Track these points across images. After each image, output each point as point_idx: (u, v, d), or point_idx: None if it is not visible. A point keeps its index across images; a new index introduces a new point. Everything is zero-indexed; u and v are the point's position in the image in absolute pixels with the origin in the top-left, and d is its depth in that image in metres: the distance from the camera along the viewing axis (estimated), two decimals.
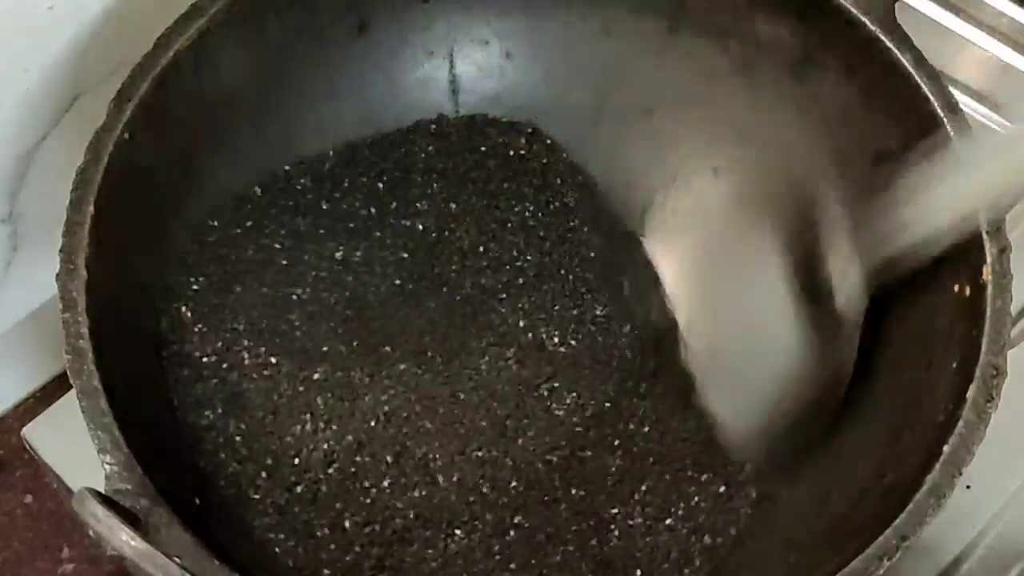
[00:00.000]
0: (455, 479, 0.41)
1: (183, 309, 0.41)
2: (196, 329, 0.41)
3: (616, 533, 0.40)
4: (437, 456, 0.41)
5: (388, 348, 0.43)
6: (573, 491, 0.41)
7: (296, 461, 0.40)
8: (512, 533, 0.40)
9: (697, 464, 0.41)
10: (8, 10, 0.38)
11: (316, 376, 0.42)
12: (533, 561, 0.39)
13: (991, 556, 0.42)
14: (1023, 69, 0.51)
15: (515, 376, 0.43)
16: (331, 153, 0.46)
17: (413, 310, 0.44)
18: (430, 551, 0.39)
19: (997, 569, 0.42)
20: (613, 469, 0.41)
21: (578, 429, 0.42)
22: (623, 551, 0.39)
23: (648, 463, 0.41)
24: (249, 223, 0.44)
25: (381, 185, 0.46)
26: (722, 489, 0.40)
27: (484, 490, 0.40)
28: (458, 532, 0.40)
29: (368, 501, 0.40)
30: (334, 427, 0.41)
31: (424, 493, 0.40)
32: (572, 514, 0.40)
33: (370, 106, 0.46)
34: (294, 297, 0.43)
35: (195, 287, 0.42)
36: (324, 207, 0.45)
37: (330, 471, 0.40)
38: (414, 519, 0.40)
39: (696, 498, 0.40)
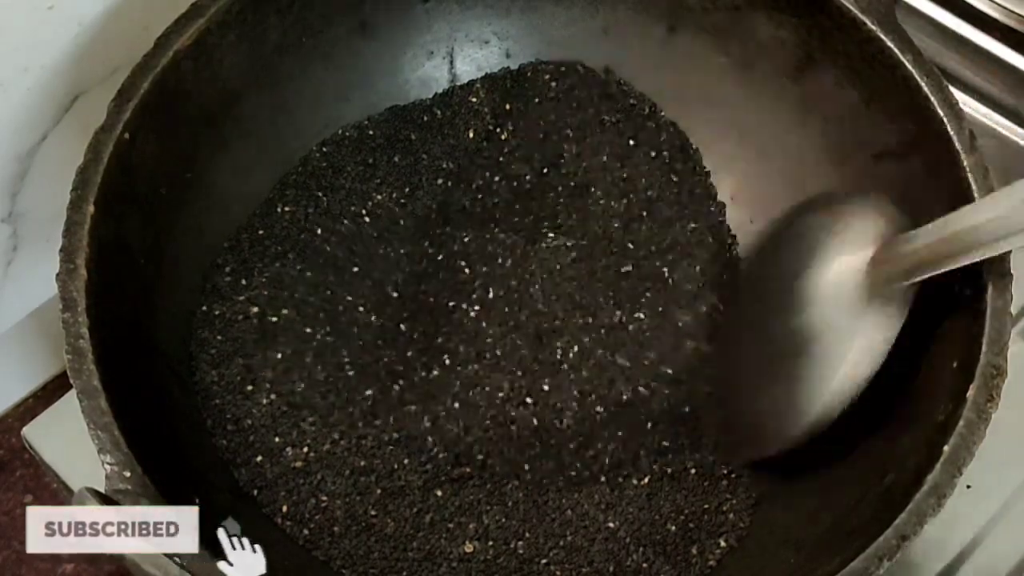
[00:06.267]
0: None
1: (182, 309, 0.41)
2: (196, 330, 0.41)
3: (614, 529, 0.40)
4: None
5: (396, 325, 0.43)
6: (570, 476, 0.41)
7: (296, 463, 0.40)
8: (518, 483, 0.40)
9: (698, 464, 0.41)
10: (8, 10, 0.38)
11: (319, 372, 0.42)
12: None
13: (991, 556, 0.42)
14: (1023, 69, 0.51)
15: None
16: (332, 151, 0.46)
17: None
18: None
19: (997, 569, 0.42)
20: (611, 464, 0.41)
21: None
22: (622, 550, 0.39)
23: (648, 461, 0.41)
24: (246, 224, 0.44)
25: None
26: (722, 488, 0.40)
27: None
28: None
29: (368, 507, 0.40)
30: (340, 427, 0.41)
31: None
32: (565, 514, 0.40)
33: (370, 106, 0.47)
34: (293, 296, 0.43)
35: (195, 288, 0.42)
36: (325, 206, 0.45)
37: (331, 470, 0.40)
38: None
39: (697, 498, 0.40)
